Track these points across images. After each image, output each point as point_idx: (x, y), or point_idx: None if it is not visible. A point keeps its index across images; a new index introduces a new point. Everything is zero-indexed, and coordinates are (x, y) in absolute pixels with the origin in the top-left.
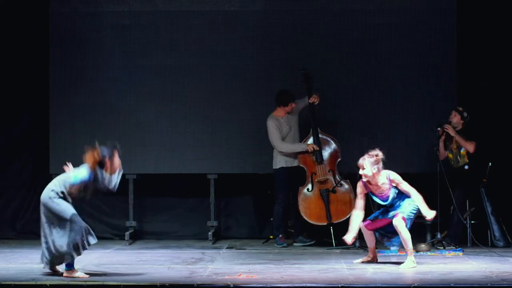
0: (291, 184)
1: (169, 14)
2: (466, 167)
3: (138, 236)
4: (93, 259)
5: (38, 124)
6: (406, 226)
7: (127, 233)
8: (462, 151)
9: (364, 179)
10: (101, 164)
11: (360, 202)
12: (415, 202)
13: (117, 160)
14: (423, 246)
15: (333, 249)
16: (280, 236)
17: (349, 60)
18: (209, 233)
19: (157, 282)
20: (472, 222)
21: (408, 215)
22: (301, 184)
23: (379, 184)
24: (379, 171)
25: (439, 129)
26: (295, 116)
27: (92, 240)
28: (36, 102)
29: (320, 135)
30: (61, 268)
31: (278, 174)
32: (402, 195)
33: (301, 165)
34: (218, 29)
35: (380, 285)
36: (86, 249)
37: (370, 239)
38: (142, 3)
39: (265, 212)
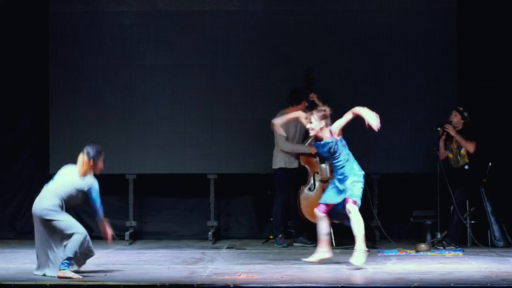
0: (290, 184)
1: (169, 14)
2: (466, 167)
3: (138, 236)
4: (93, 259)
5: (38, 124)
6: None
7: (127, 233)
8: (462, 151)
9: (312, 133)
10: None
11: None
12: (361, 112)
13: (101, 163)
14: (423, 246)
15: (333, 249)
16: (280, 236)
17: (349, 60)
18: (209, 233)
19: (157, 282)
20: (472, 222)
21: (358, 196)
22: (301, 184)
23: (324, 139)
24: (326, 125)
25: (439, 129)
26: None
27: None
28: (36, 102)
29: None
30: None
31: (278, 174)
32: (347, 161)
33: (304, 165)
34: (218, 29)
35: (380, 285)
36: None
37: (324, 226)
38: (142, 3)
39: (265, 212)
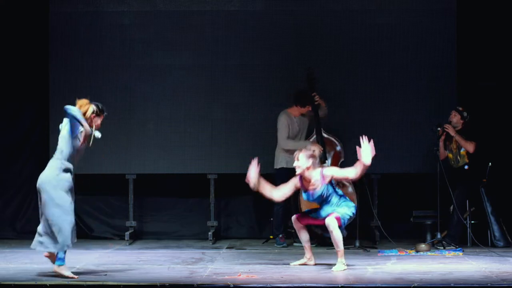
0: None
1: (169, 14)
2: (466, 167)
3: (138, 236)
4: (93, 259)
5: (38, 124)
6: (340, 226)
7: (127, 233)
8: (462, 151)
9: (298, 171)
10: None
11: (285, 188)
12: (357, 167)
13: (99, 121)
14: (423, 246)
15: (333, 249)
16: (280, 236)
17: (349, 60)
18: (209, 233)
19: (157, 282)
20: (472, 222)
21: (343, 216)
22: None
23: (312, 180)
24: (314, 166)
25: (439, 129)
26: (307, 121)
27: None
28: (36, 102)
29: (323, 135)
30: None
31: (279, 174)
32: (340, 196)
33: None
34: (218, 29)
35: (380, 285)
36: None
37: (303, 234)
38: (142, 3)
39: (265, 212)
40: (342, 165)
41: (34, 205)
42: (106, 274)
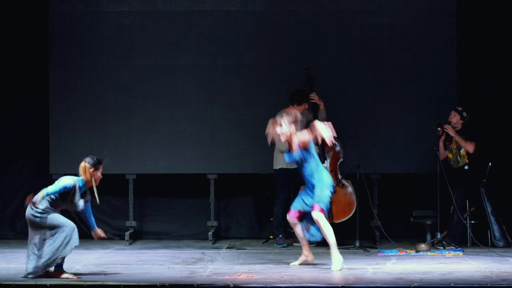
0: (291, 185)
1: (169, 14)
2: (466, 167)
3: (138, 236)
4: (93, 259)
5: (38, 124)
6: (325, 215)
7: (127, 233)
8: (462, 151)
9: (282, 139)
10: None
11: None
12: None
13: (99, 173)
14: (423, 246)
15: None
16: (280, 236)
17: (349, 60)
18: (209, 233)
19: (157, 282)
20: (472, 222)
21: (325, 203)
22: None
23: (293, 145)
24: (296, 131)
25: (439, 129)
26: (304, 121)
27: (75, 241)
28: (36, 102)
29: None
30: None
31: (278, 174)
32: (317, 171)
33: None
34: (218, 29)
35: (380, 285)
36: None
37: (299, 232)
38: (142, 3)
39: (265, 212)
40: (342, 165)
41: None
42: (106, 274)
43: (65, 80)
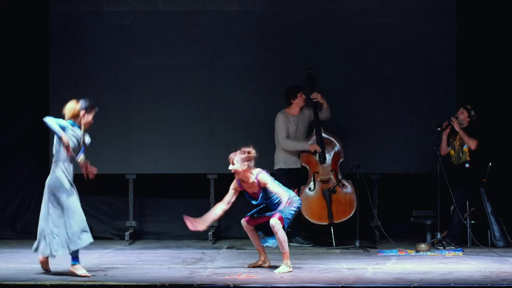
0: (290, 185)
1: (169, 14)
2: (467, 165)
3: (138, 236)
4: (93, 259)
5: (38, 124)
6: (284, 226)
7: (127, 233)
8: (465, 147)
9: (236, 176)
10: (76, 116)
11: (228, 197)
12: (283, 201)
13: (90, 117)
14: (423, 246)
15: (333, 249)
16: None
17: (349, 60)
18: (209, 233)
19: (157, 282)
20: (472, 222)
21: (286, 215)
22: (301, 184)
23: (249, 182)
24: (249, 168)
25: (438, 129)
26: (305, 119)
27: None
28: (36, 102)
29: (323, 135)
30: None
31: (277, 174)
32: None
33: (304, 164)
34: (218, 29)
35: (380, 285)
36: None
37: (254, 237)
38: (142, 3)
39: None
40: (342, 165)
41: (34, 205)
42: (106, 274)
43: (65, 80)
